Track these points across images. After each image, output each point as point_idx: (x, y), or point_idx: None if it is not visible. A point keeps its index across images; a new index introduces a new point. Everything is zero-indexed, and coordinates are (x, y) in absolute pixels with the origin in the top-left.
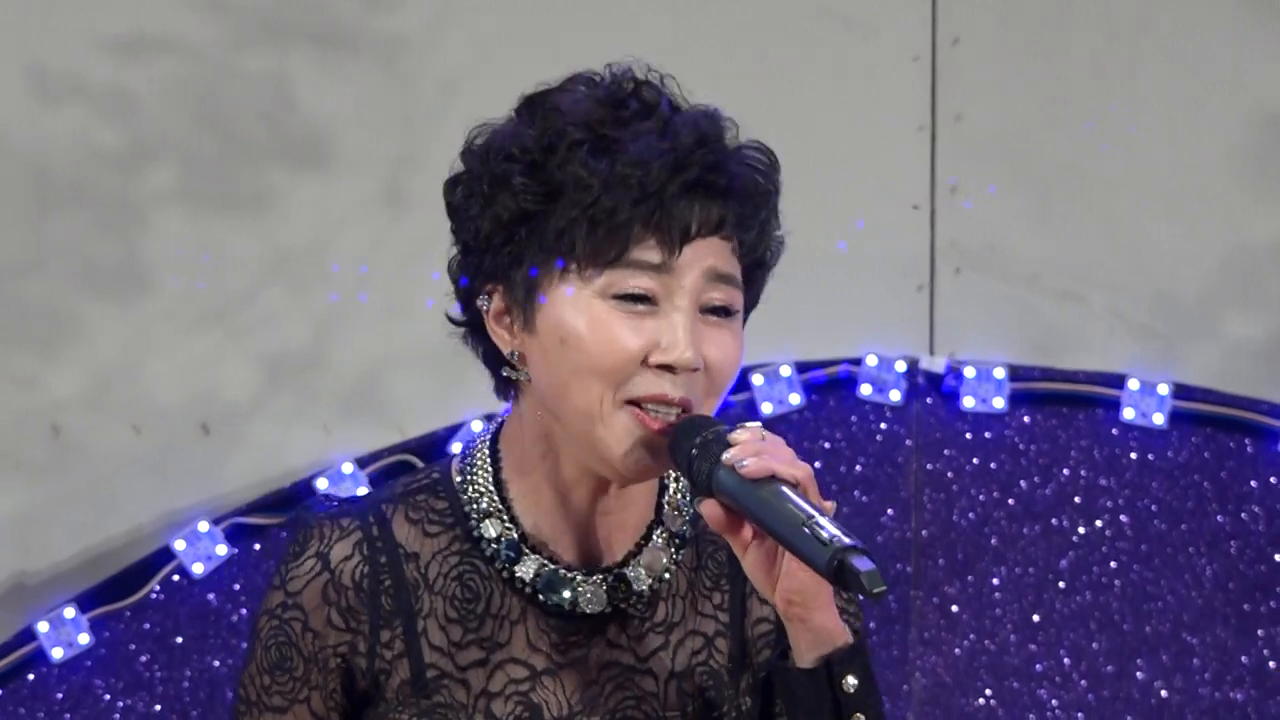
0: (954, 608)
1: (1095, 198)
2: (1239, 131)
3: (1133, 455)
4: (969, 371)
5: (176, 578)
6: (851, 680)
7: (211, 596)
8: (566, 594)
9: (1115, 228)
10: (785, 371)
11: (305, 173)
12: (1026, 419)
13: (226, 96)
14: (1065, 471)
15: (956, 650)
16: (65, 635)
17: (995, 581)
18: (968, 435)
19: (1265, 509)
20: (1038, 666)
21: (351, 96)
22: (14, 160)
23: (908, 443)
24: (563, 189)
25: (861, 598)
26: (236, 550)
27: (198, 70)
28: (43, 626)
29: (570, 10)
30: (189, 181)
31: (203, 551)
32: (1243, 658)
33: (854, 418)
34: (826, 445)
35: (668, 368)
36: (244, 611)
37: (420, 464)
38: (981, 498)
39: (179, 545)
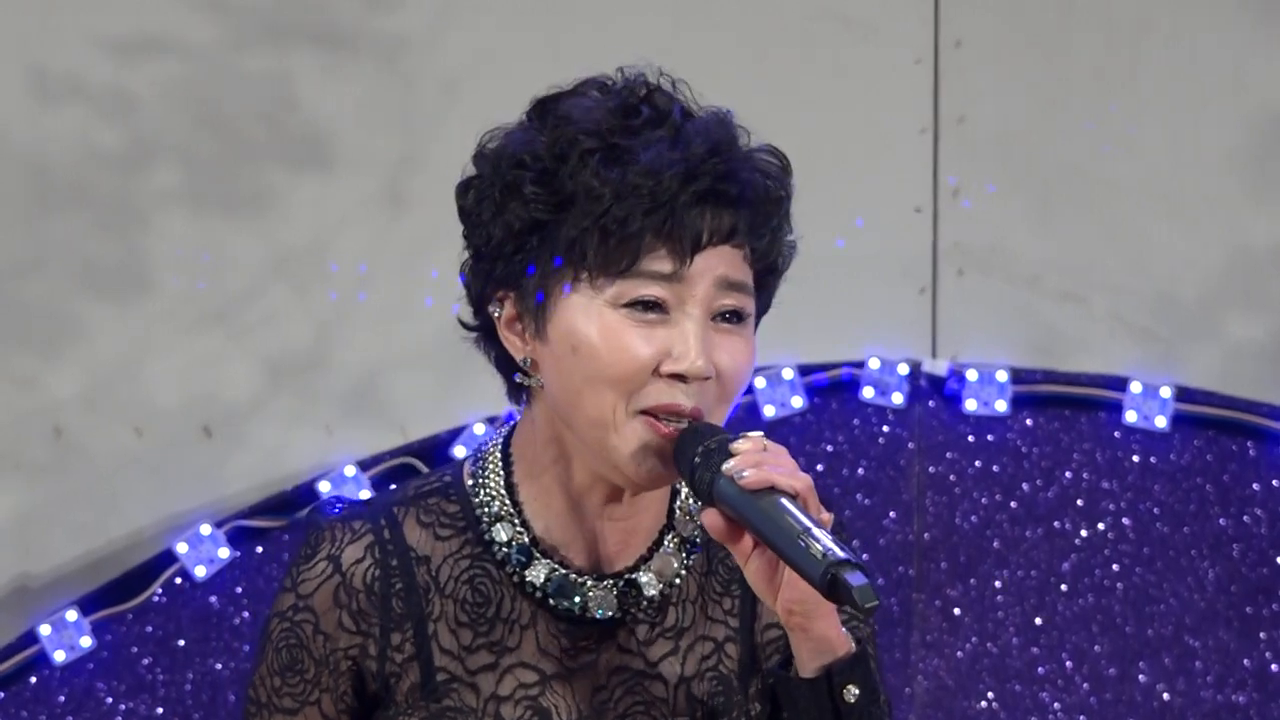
0: (956, 610)
1: (1097, 200)
2: (1240, 133)
3: (1135, 458)
4: (971, 374)
5: (178, 580)
6: (853, 690)
7: (213, 599)
8: (577, 599)
9: (1117, 229)
10: (787, 374)
11: (306, 173)
12: (1029, 422)
13: (227, 97)
14: (1067, 474)
15: (959, 653)
16: (67, 638)
17: (997, 584)
18: (970, 438)
19: (1267, 512)
20: (1040, 669)
21: (352, 97)
22: (14, 160)
23: (910, 445)
24: (574, 198)
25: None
26: (238, 553)
27: (198, 70)
28: (45, 629)
29: (570, 11)
30: (189, 181)
31: (205, 554)
32: (1245, 660)
33: (856, 420)
34: (829, 448)
35: (679, 377)
36: (246, 614)
37: (423, 467)
38: (984, 500)
39: (181, 548)
